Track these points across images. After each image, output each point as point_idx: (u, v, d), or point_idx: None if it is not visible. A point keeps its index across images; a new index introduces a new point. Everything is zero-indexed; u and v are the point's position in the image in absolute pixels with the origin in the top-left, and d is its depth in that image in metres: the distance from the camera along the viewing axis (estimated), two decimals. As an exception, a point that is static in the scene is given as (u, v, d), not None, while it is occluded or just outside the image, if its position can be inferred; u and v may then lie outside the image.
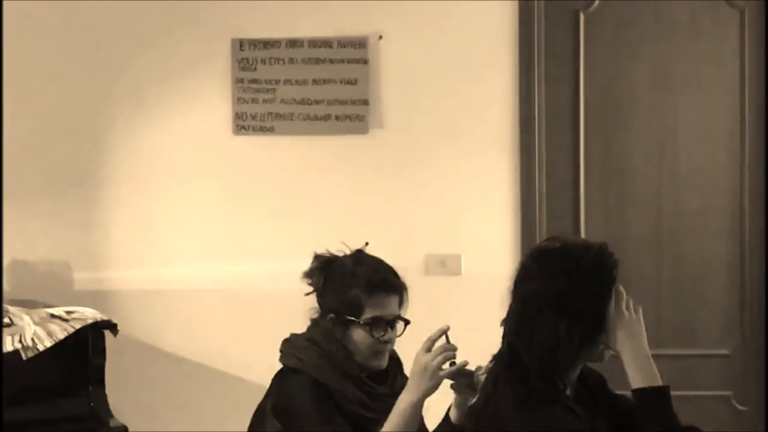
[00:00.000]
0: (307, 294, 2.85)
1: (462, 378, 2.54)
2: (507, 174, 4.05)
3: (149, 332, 4.09)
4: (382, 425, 2.67)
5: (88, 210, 4.10)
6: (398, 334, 2.79)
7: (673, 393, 2.16)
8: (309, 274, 2.84)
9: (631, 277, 2.29)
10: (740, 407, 4.15)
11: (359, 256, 2.82)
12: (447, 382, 2.56)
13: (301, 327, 2.91)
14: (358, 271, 2.75)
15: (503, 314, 2.31)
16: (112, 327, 3.19)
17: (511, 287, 2.28)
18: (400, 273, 2.81)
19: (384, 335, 2.73)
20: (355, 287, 2.72)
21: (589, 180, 4.12)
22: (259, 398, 2.91)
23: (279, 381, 2.79)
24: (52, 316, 3.19)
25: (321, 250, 2.88)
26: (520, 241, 4.03)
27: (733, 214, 4.12)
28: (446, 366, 2.53)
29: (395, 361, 2.88)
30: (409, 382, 2.59)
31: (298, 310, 3.64)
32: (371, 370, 2.77)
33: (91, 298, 3.76)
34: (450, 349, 2.54)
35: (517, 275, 2.29)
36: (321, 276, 2.81)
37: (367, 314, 2.71)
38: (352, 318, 2.72)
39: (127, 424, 3.10)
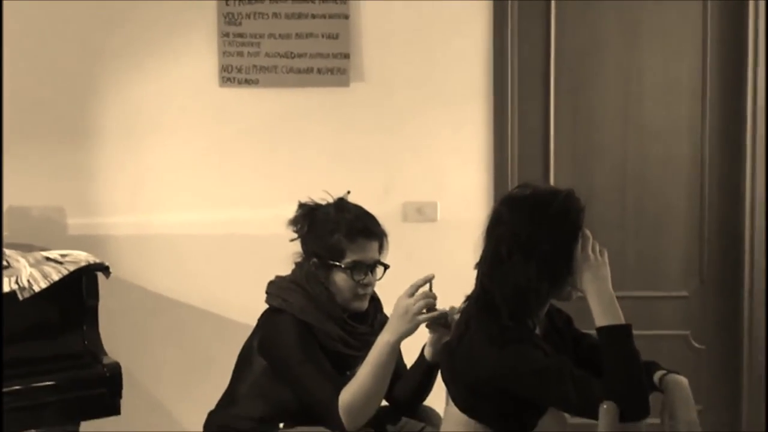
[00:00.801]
0: (292, 240, 2.86)
1: (436, 318, 2.56)
2: (481, 125, 4.05)
3: (140, 275, 4.09)
4: (362, 362, 2.69)
5: (81, 159, 4.07)
6: (378, 277, 2.81)
7: (634, 332, 2.19)
8: (293, 222, 2.85)
9: (597, 222, 2.30)
10: (698, 345, 4.21)
11: (341, 203, 2.82)
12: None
13: (285, 270, 2.93)
14: (340, 218, 2.76)
15: (477, 258, 2.33)
16: (105, 269, 3.18)
17: (484, 232, 2.30)
18: (379, 220, 2.84)
19: (364, 279, 2.75)
20: (337, 233, 2.73)
21: (558, 131, 4.13)
22: (245, 336, 2.93)
23: (265, 320, 2.81)
24: (47, 258, 3.18)
25: (305, 199, 2.89)
26: (492, 188, 4.04)
27: (694, 165, 4.14)
28: (424, 304, 2.56)
29: (375, 303, 2.90)
30: (389, 323, 2.61)
31: (283, 253, 3.65)
32: (352, 311, 2.79)
33: (84, 242, 3.74)
34: (431, 297, 2.56)
35: (489, 221, 2.31)
36: (305, 223, 2.82)
37: (348, 258, 2.73)
38: (334, 262, 2.74)
39: (119, 360, 3.10)
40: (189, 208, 4.12)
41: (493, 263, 2.25)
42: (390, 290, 2.87)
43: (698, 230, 4.16)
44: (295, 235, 2.86)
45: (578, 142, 4.15)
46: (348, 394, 2.59)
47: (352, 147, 4.07)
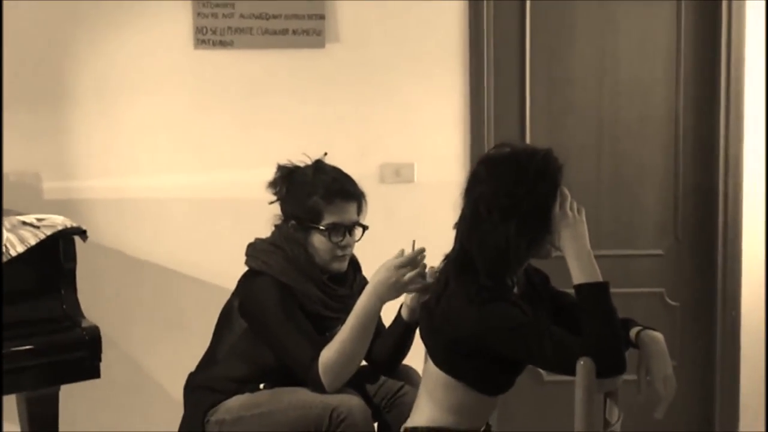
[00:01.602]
0: (271, 203, 2.85)
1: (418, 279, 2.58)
2: (457, 85, 4.04)
3: (117, 238, 4.08)
4: (341, 323, 2.70)
5: (56, 123, 4.03)
6: (356, 239, 2.81)
7: (611, 290, 2.20)
8: (272, 184, 2.85)
9: (573, 181, 2.30)
10: (672, 302, 4.25)
11: (318, 165, 2.82)
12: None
13: (264, 232, 2.93)
14: (318, 179, 2.75)
15: (455, 218, 2.33)
16: (82, 233, 3.16)
17: (463, 192, 2.30)
18: (357, 181, 2.83)
19: (342, 240, 2.75)
20: (314, 195, 2.73)
21: (534, 91, 4.13)
22: (224, 299, 2.93)
23: (245, 282, 2.81)
24: (24, 223, 3.16)
25: (283, 161, 2.88)
26: (469, 149, 4.05)
27: (668, 124, 4.16)
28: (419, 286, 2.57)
29: (354, 264, 2.91)
30: (374, 287, 2.61)
31: (261, 216, 3.64)
32: (331, 273, 2.79)
33: (61, 206, 3.72)
34: (422, 270, 2.57)
35: (468, 181, 2.31)
36: (283, 185, 2.82)
37: (327, 220, 2.73)
38: (313, 224, 2.74)
39: (98, 323, 3.09)
40: (165, 171, 4.10)
41: (472, 223, 2.25)
42: (369, 252, 2.88)
43: (673, 189, 4.19)
44: (275, 198, 2.86)
45: (554, 101, 4.15)
46: (328, 355, 2.61)
47: (328, 109, 4.05)
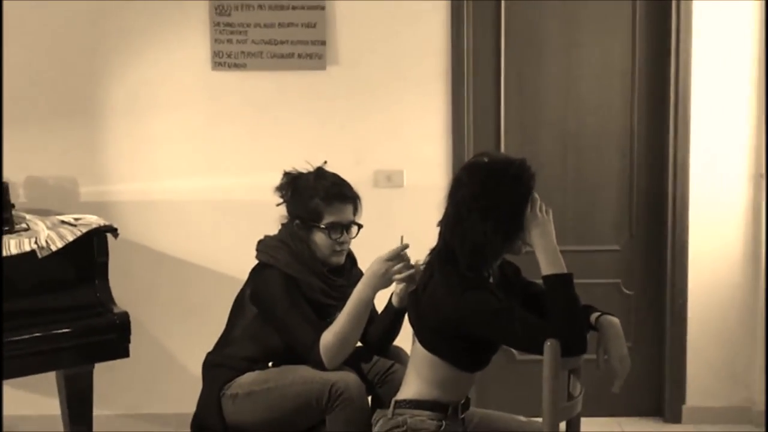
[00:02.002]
0: (278, 204, 2.85)
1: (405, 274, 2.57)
2: (441, 103, 4.03)
3: (144, 235, 4.07)
4: (339, 310, 2.70)
5: (91, 134, 4.04)
6: (353, 236, 2.81)
7: (574, 280, 2.20)
8: (279, 188, 2.85)
9: (541, 185, 2.30)
10: (627, 291, 4.24)
11: (319, 172, 2.82)
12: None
13: (271, 230, 2.92)
14: (318, 184, 2.75)
15: (439, 218, 2.33)
16: (113, 231, 3.16)
17: (447, 195, 2.30)
18: (353, 185, 2.83)
19: (340, 237, 2.75)
20: (316, 198, 2.73)
21: (508, 107, 4.13)
22: (237, 288, 2.92)
23: (255, 274, 2.81)
24: (62, 222, 3.16)
25: (288, 168, 2.88)
26: (451, 158, 4.03)
27: (625, 136, 4.14)
28: (405, 275, 2.57)
29: (351, 258, 2.90)
30: (367, 279, 2.62)
31: (268, 216, 3.65)
32: (331, 266, 2.79)
33: (94, 207, 3.72)
34: (407, 261, 2.57)
35: (451, 185, 2.31)
36: (288, 189, 2.82)
37: (326, 220, 2.73)
38: (314, 223, 2.73)
39: (127, 310, 3.09)
40: (186, 176, 4.09)
41: (454, 222, 2.25)
42: (364, 247, 2.88)
43: (628, 192, 4.19)
44: (281, 200, 2.85)
45: (525, 117, 4.15)
46: (328, 337, 2.61)
47: (328, 123, 4.05)
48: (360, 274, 2.80)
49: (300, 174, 2.84)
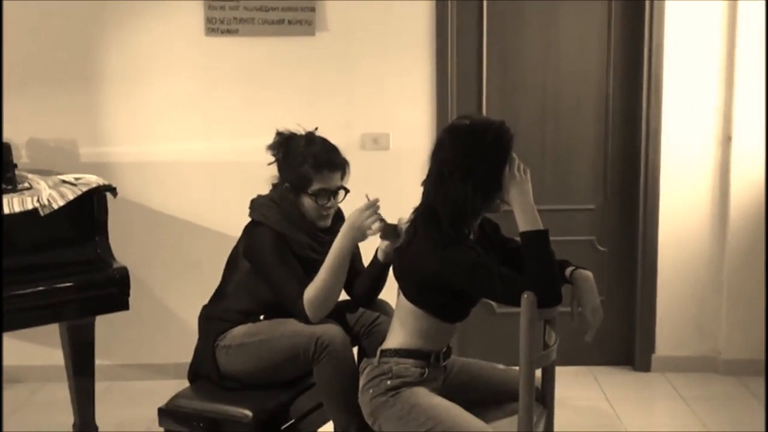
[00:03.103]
0: (270, 164, 2.83)
1: (388, 227, 2.58)
2: (426, 68, 4.02)
3: (142, 195, 4.07)
4: (323, 258, 2.72)
5: (90, 99, 4.01)
6: (339, 200, 2.79)
7: (550, 238, 2.20)
8: (271, 147, 2.81)
9: (521, 147, 2.30)
10: (601, 248, 4.27)
11: (310, 137, 2.78)
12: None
13: (262, 190, 2.91)
14: (308, 151, 2.72)
15: (423, 178, 2.34)
16: (112, 190, 3.15)
17: (430, 155, 2.30)
18: (341, 149, 2.79)
19: (327, 203, 2.74)
20: (305, 164, 2.70)
21: (490, 73, 4.12)
22: (230, 244, 2.92)
23: (248, 231, 2.80)
24: (63, 181, 3.14)
25: (281, 129, 2.85)
26: (435, 121, 4.03)
27: (600, 101, 4.15)
28: (376, 225, 2.57)
29: (339, 216, 2.90)
30: (344, 231, 2.63)
31: (259, 176, 3.62)
32: (318, 228, 2.79)
33: (94, 168, 3.70)
34: (377, 213, 2.58)
35: (434, 146, 2.30)
36: (280, 150, 2.79)
37: (314, 186, 2.71)
38: (303, 189, 2.72)
39: (126, 265, 3.09)
40: (181, 139, 4.08)
41: (436, 181, 2.25)
42: (352, 208, 2.87)
43: (603, 155, 4.20)
44: (273, 159, 2.83)
45: (506, 82, 4.14)
46: (311, 290, 2.61)
47: (318, 87, 4.03)
48: (356, 251, 2.83)
49: (292, 135, 2.81)
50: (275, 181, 2.84)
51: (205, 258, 4.04)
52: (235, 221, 2.93)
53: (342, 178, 2.77)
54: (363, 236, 2.61)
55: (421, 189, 2.34)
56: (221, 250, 2.99)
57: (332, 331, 2.58)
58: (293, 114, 4.00)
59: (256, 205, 2.82)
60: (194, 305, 2.95)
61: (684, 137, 4.07)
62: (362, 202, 2.66)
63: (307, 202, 2.72)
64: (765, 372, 3.87)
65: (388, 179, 3.86)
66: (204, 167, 4.09)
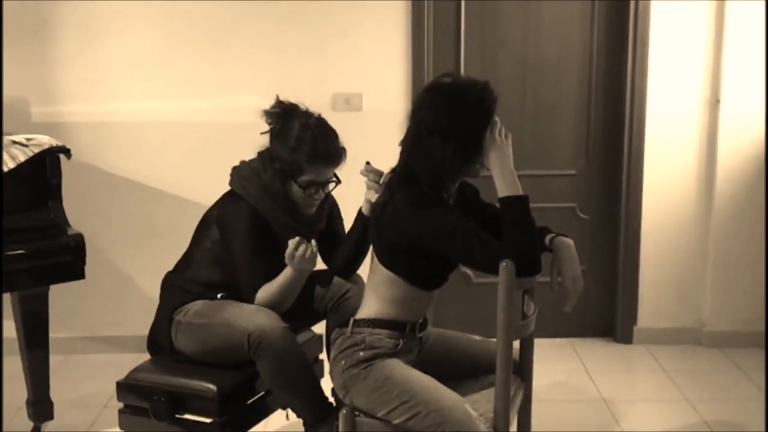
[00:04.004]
0: (263, 133, 2.72)
1: (372, 175, 2.58)
2: (401, 24, 4.00)
3: (99, 157, 4.03)
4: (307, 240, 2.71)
5: (43, 54, 3.95)
6: (329, 190, 2.76)
7: (531, 204, 2.21)
8: (269, 115, 2.71)
9: (500, 110, 2.29)
10: (583, 216, 4.31)
11: (307, 121, 2.67)
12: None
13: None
14: (305, 137, 2.63)
15: (399, 139, 2.33)
16: (66, 151, 3.10)
17: (409, 115, 2.29)
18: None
19: (315, 194, 2.71)
20: (299, 152, 2.63)
21: (468, 30, 4.10)
22: (197, 213, 2.88)
23: (225, 201, 2.73)
24: (14, 142, 3.09)
25: (277, 94, 2.73)
26: (411, 81, 4.02)
27: (584, 62, 4.16)
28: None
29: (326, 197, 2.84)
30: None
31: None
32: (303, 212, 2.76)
33: (47, 128, 3.64)
34: (307, 247, 2.56)
35: (414, 105, 2.30)
36: (278, 122, 2.69)
37: (305, 177, 2.66)
38: (292, 176, 2.67)
39: (82, 232, 3.06)
40: (141, 98, 4.04)
41: (414, 142, 2.25)
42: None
43: (586, 118, 4.22)
44: (268, 127, 2.72)
45: (485, 41, 4.13)
46: (262, 296, 2.62)
47: (289, 44, 4.00)
48: (333, 204, 2.81)
49: (292, 109, 2.70)
50: (262, 149, 2.76)
51: (167, 225, 4.02)
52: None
53: (335, 168, 2.72)
54: (301, 271, 2.59)
55: (396, 153, 2.34)
56: (185, 216, 2.97)
57: (265, 325, 2.55)
58: (260, 72, 4.00)
59: (238, 175, 2.75)
60: (155, 275, 2.94)
61: (670, 99, 4.09)
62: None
63: (295, 189, 2.68)
64: (765, 357, 3.91)
65: (361, 142, 3.81)
66: (166, 128, 4.05)
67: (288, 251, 2.55)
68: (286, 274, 2.61)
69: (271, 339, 2.53)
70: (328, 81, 4.02)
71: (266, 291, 2.64)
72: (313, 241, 2.58)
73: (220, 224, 2.70)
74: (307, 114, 2.70)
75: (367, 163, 2.62)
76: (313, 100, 2.82)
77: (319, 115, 2.72)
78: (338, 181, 2.75)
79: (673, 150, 4.13)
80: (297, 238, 2.56)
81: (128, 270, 4.14)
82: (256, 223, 2.66)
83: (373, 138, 3.75)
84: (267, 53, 3.98)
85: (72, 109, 3.99)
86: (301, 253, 2.54)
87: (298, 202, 2.71)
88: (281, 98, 2.73)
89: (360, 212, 2.73)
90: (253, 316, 2.58)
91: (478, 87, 2.25)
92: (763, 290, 4.05)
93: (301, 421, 2.66)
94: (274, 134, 2.70)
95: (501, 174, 2.21)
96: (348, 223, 2.86)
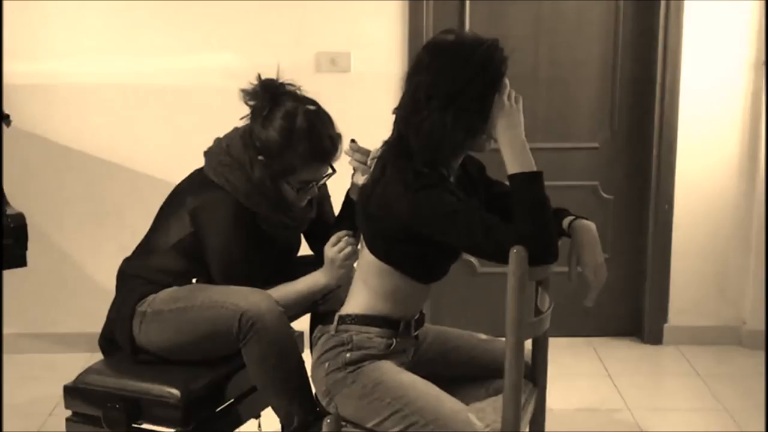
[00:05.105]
0: (242, 118, 2.69)
1: (358, 155, 2.57)
2: (395, -28, 4.00)
3: (43, 125, 4.03)
4: (295, 231, 2.69)
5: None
6: (323, 182, 2.75)
7: (546, 182, 2.21)
8: (250, 96, 2.66)
9: (509, 72, 2.29)
10: (606, 196, 4.32)
11: (302, 112, 2.62)
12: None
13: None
14: (299, 133, 2.60)
15: (393, 106, 2.33)
16: (5, 118, 3.09)
17: (405, 78, 2.28)
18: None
19: (309, 190, 2.70)
20: (291, 150, 2.61)
21: (474, -21, 4.10)
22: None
23: (203, 187, 2.69)
24: (-57, 108, 3.08)
25: (259, 70, 2.66)
26: (407, 38, 4.01)
27: (608, 13, 4.16)
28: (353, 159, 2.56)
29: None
30: (323, 269, 2.64)
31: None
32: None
33: (-17, 91, 3.64)
34: (351, 241, 2.58)
35: (410, 67, 2.29)
36: (263, 107, 2.63)
37: (299, 178, 2.65)
38: (282, 176, 2.65)
39: (24, 212, 3.06)
40: (94, 56, 4.03)
41: (410, 109, 2.24)
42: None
43: (610, 80, 4.22)
44: (248, 112, 2.67)
45: (494, -9, 4.13)
46: (276, 296, 2.63)
47: (263, -5, 3.98)
48: (325, 191, 2.82)
49: (282, 91, 2.64)
50: (243, 131, 2.71)
51: (124, 204, 4.02)
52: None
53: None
54: (346, 273, 2.61)
55: (390, 121, 2.33)
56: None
57: (261, 303, 2.56)
58: (231, 27, 3.99)
59: (216, 161, 2.70)
60: (109, 262, 2.93)
61: (709, 60, 4.09)
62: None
63: (285, 187, 2.67)
64: (765, 359, 3.96)
65: (348, 110, 3.82)
66: (123, 92, 4.04)
67: (330, 252, 2.57)
68: (305, 287, 2.66)
69: (267, 321, 2.54)
70: (310, 38, 4.00)
71: (280, 292, 2.65)
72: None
73: (197, 217, 2.67)
74: (298, 99, 2.66)
75: (353, 140, 2.60)
76: (291, 59, 2.83)
77: (313, 101, 2.68)
78: (333, 171, 2.74)
79: (712, 120, 4.14)
80: (340, 232, 2.58)
81: (78, 256, 4.14)
82: (240, 217, 2.65)
83: (362, 105, 3.76)
84: (238, 4, 3.96)
85: (12, 69, 3.97)
86: (348, 252, 2.57)
87: (288, 197, 2.70)
88: (263, 77, 2.66)
89: (347, 197, 2.73)
90: (247, 294, 2.59)
91: (486, 44, 2.24)
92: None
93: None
94: (259, 121, 2.65)
95: (510, 146, 2.21)
96: (336, 207, 2.86)
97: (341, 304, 2.42)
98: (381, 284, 2.32)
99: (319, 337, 2.39)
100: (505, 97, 2.23)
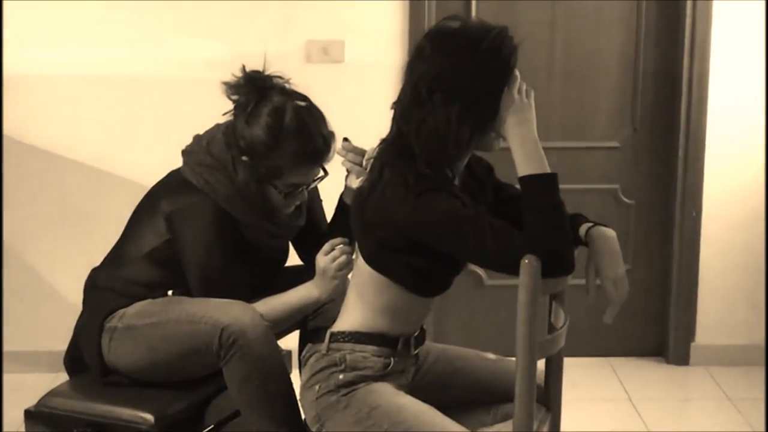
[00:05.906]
0: (225, 113, 2.70)
1: (351, 155, 2.58)
2: (394, -48, 4.02)
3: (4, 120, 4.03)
4: (282, 241, 2.70)
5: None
6: (313, 186, 2.76)
7: (560, 185, 2.22)
8: (235, 91, 2.66)
9: (521, 64, 2.29)
10: (627, 200, 4.32)
11: (291, 109, 2.63)
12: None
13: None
14: (288, 133, 2.60)
15: (391, 100, 2.33)
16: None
17: (405, 69, 2.29)
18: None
19: (298, 194, 2.71)
20: (279, 151, 2.61)
21: (481, -40, 4.12)
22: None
23: (180, 191, 2.70)
24: None
25: (240, 57, 2.68)
26: (407, 27, 4.02)
27: (630, 3, 4.17)
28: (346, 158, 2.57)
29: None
30: (315, 280, 2.65)
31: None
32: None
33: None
34: (346, 250, 2.60)
35: (411, 57, 2.29)
36: (250, 102, 2.63)
37: (287, 181, 2.66)
38: (268, 180, 2.66)
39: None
40: (57, 44, 4.03)
41: (411, 104, 2.24)
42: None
43: (632, 74, 4.23)
44: (231, 107, 2.68)
45: (503, -26, 4.14)
46: (260, 307, 2.64)
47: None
48: (315, 193, 2.83)
49: (269, 83, 2.65)
50: (226, 128, 2.72)
51: (91, 208, 4.02)
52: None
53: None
54: (338, 285, 2.63)
55: (388, 115, 2.34)
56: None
57: (244, 318, 2.56)
58: (214, 13, 3.99)
59: (195, 162, 2.71)
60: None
61: (739, 49, 4.11)
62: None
63: (272, 192, 2.68)
64: (765, 370, 3.96)
65: (342, 103, 3.84)
66: (91, 83, 4.05)
67: (322, 261, 2.59)
68: (296, 300, 2.68)
69: (250, 337, 2.54)
70: (300, 24, 4.01)
71: (265, 306, 2.66)
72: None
73: (173, 223, 2.67)
74: (286, 93, 2.67)
75: (346, 139, 2.61)
76: (280, 48, 2.84)
77: (303, 95, 2.69)
78: (325, 174, 2.74)
79: (744, 116, 4.15)
80: (334, 240, 2.60)
81: (40, 266, 4.14)
82: (221, 223, 2.66)
83: (357, 99, 3.78)
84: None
85: (-34, 57, 3.99)
86: (343, 262, 2.58)
87: (275, 204, 2.71)
88: (248, 68, 2.66)
89: (341, 201, 2.74)
90: (228, 307, 2.59)
91: (494, 33, 2.25)
92: None
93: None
94: (243, 117, 2.65)
95: (521, 145, 2.21)
96: (329, 211, 2.87)
97: (333, 319, 2.43)
98: (377, 298, 2.32)
99: (309, 357, 2.39)
100: (516, 91, 2.23)
